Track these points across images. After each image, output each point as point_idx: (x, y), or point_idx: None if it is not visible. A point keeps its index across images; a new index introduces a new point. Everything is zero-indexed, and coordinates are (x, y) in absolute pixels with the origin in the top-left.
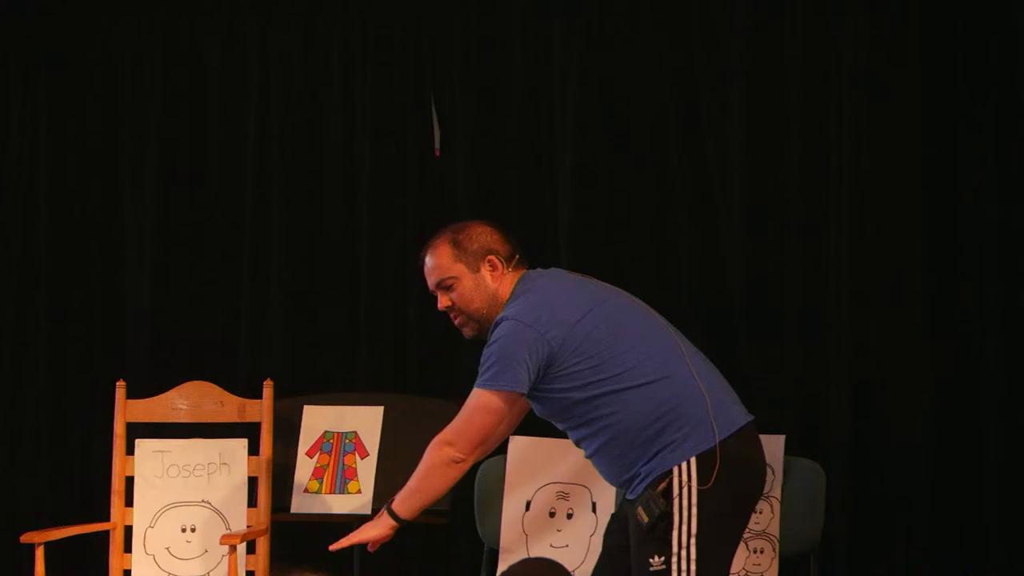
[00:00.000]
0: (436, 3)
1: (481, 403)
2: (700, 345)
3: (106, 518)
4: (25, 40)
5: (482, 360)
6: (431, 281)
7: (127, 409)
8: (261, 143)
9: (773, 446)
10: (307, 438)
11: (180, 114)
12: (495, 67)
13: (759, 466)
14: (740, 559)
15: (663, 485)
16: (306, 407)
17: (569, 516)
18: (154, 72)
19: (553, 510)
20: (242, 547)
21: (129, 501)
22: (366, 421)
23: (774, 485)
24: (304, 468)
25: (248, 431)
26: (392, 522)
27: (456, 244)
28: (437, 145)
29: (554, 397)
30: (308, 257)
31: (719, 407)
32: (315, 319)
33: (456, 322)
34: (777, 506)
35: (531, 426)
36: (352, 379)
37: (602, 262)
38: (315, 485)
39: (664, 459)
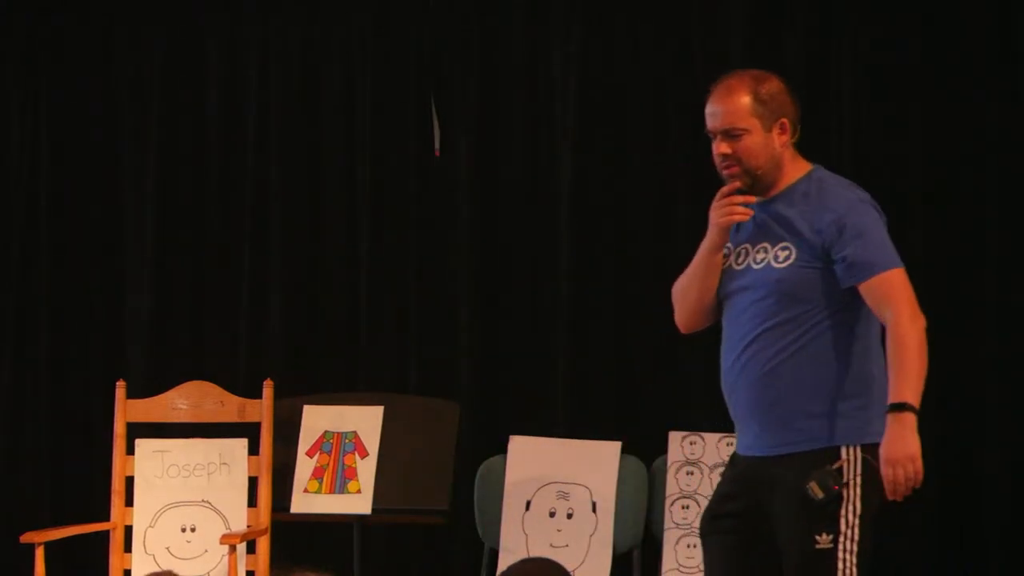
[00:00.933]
0: (437, 2)
1: (899, 278)
2: (704, 341)
3: (106, 518)
4: (24, 40)
5: (862, 244)
6: (717, 124)
7: (127, 409)
8: (261, 144)
9: None
10: (307, 438)
11: (180, 115)
12: (496, 66)
13: None
14: None
15: (839, 463)
16: (306, 407)
17: (569, 516)
18: (154, 73)
19: (553, 510)
20: (242, 547)
21: (129, 501)
22: (366, 421)
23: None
24: (304, 468)
25: (248, 431)
26: (915, 420)
27: (756, 96)
28: (437, 145)
29: (825, 280)
30: (308, 257)
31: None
32: (315, 319)
33: (727, 172)
34: None
35: (531, 426)
36: (352, 379)
37: (603, 263)
38: (315, 485)
39: (842, 427)
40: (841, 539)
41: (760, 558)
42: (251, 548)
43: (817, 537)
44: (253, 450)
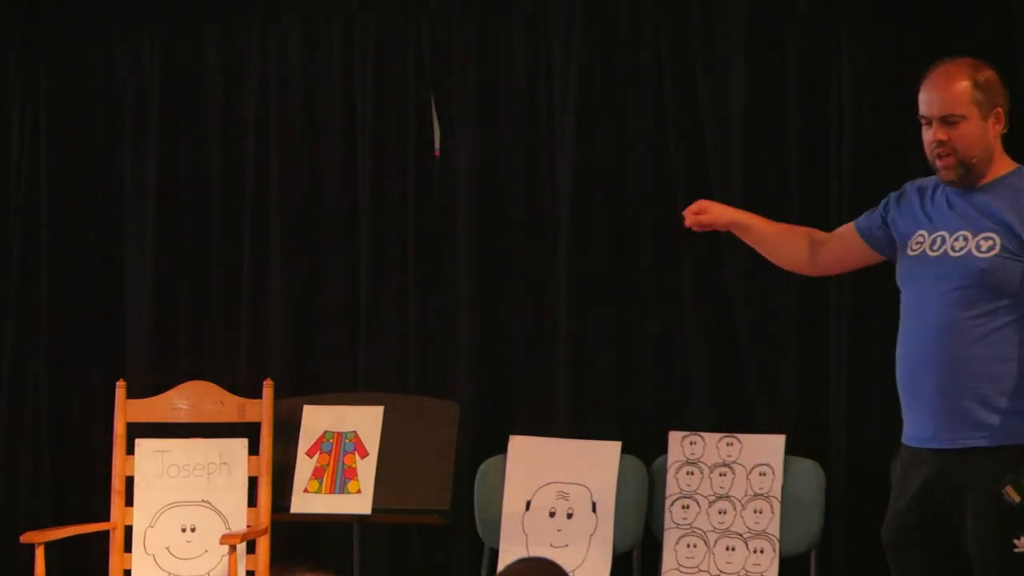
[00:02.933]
0: (437, 2)
1: None
2: (701, 344)
3: (106, 518)
4: (24, 38)
5: None
6: (934, 111)
7: (127, 409)
8: (261, 145)
9: (773, 446)
10: (307, 438)
11: (180, 113)
12: (495, 66)
13: None
14: (740, 559)
15: None
16: (306, 407)
17: (569, 516)
18: (154, 70)
19: (553, 510)
20: (242, 547)
21: (129, 501)
22: (366, 421)
23: (774, 485)
24: (304, 468)
25: (248, 431)
26: None
27: (976, 83)
28: (437, 145)
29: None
30: (308, 257)
31: None
32: (315, 319)
33: (942, 162)
34: (777, 506)
35: (531, 425)
36: (352, 379)
37: (602, 261)
38: (315, 485)
39: None
40: None
41: (953, 565)
42: (251, 548)
43: (1016, 541)
44: (253, 450)
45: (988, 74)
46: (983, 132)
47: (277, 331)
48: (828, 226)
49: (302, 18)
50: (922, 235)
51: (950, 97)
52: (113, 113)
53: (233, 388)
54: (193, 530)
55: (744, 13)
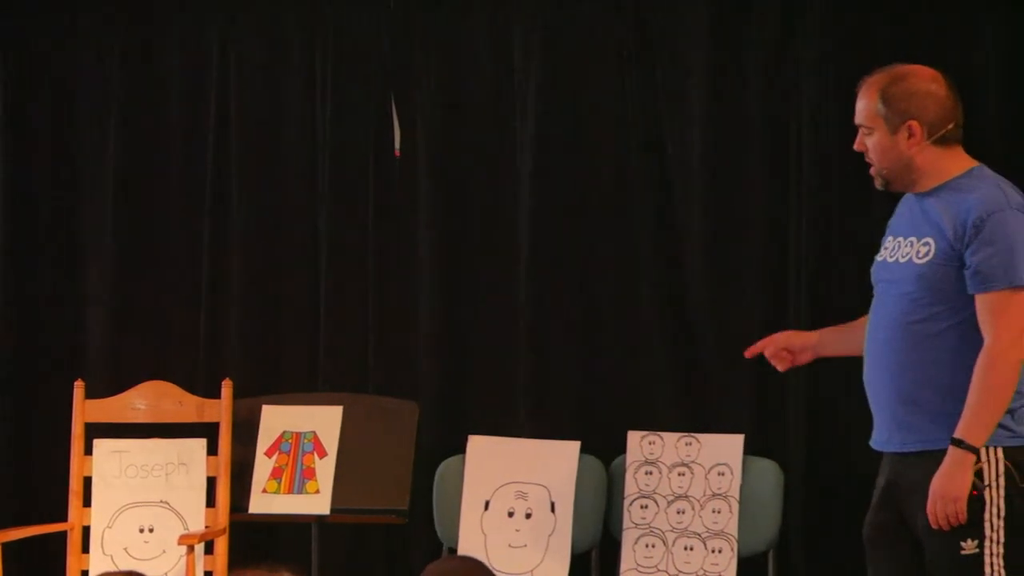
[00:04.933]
0: (398, 3)
1: (1013, 300)
2: (659, 343)
3: (64, 518)
4: None
5: (991, 253)
6: (855, 117)
7: (85, 409)
8: (221, 145)
9: (732, 446)
10: (266, 438)
11: (139, 110)
12: (456, 67)
13: None
14: (698, 558)
15: (979, 466)
16: (265, 407)
17: (528, 516)
18: (113, 65)
19: (512, 510)
20: (200, 547)
21: (87, 501)
22: (325, 421)
23: (732, 485)
24: (262, 468)
25: (207, 431)
26: (972, 460)
27: (885, 97)
28: (398, 146)
29: (959, 280)
30: (267, 258)
31: None
32: (274, 319)
33: (870, 170)
34: (736, 506)
35: (490, 425)
36: (311, 379)
37: (562, 262)
38: (273, 485)
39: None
40: (987, 543)
41: (920, 566)
42: (209, 548)
43: (963, 543)
44: (211, 450)
45: (906, 85)
46: (892, 145)
47: (236, 331)
48: (787, 232)
49: (262, 17)
50: (889, 240)
51: (862, 107)
52: (73, 112)
53: (192, 388)
54: (151, 530)
55: (706, 17)
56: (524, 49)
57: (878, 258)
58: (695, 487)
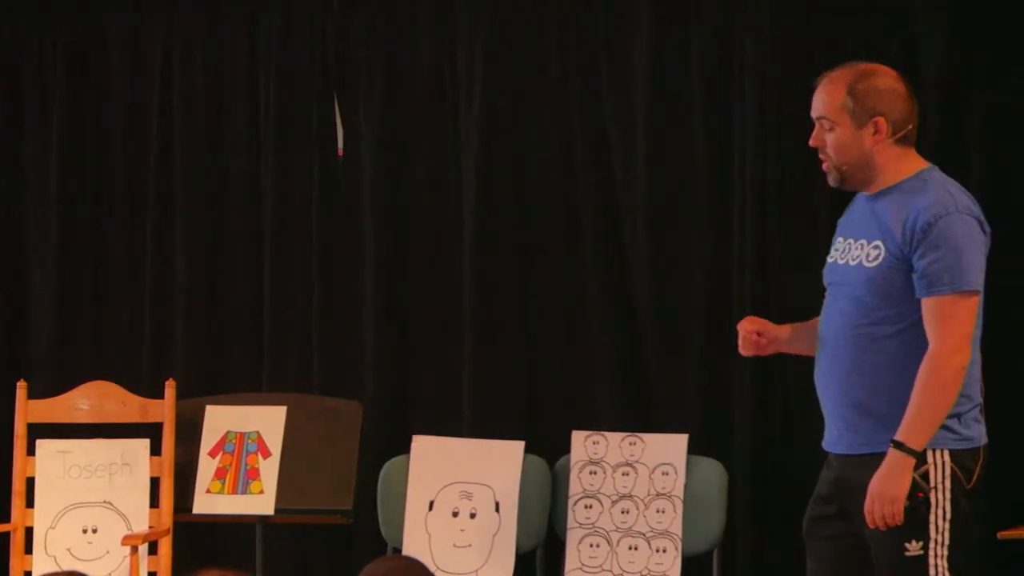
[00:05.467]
0: (340, 2)
1: (958, 305)
2: (603, 343)
3: (6, 519)
4: None
5: (938, 257)
6: (814, 112)
7: (28, 409)
8: (164, 143)
9: (676, 446)
10: (209, 438)
11: (83, 113)
12: (400, 65)
13: None
14: (643, 558)
15: (924, 468)
16: (208, 407)
17: (472, 516)
18: (56, 60)
19: (456, 510)
20: (144, 548)
21: (30, 502)
22: (269, 421)
23: (676, 484)
24: (206, 468)
25: (150, 431)
26: (912, 464)
27: (852, 91)
28: (341, 145)
29: (907, 283)
30: (211, 257)
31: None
32: (218, 320)
33: (823, 166)
34: (680, 505)
35: (434, 425)
36: (255, 379)
37: (506, 262)
38: (217, 485)
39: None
40: (932, 545)
41: (861, 562)
42: (153, 549)
43: (907, 544)
44: (155, 450)
45: (872, 82)
46: (856, 141)
47: (180, 331)
48: (731, 230)
49: (206, 16)
50: (839, 242)
51: (824, 101)
52: (15, 112)
53: (135, 388)
54: (95, 531)
55: (649, 19)
56: (468, 47)
57: (829, 259)
58: (639, 487)
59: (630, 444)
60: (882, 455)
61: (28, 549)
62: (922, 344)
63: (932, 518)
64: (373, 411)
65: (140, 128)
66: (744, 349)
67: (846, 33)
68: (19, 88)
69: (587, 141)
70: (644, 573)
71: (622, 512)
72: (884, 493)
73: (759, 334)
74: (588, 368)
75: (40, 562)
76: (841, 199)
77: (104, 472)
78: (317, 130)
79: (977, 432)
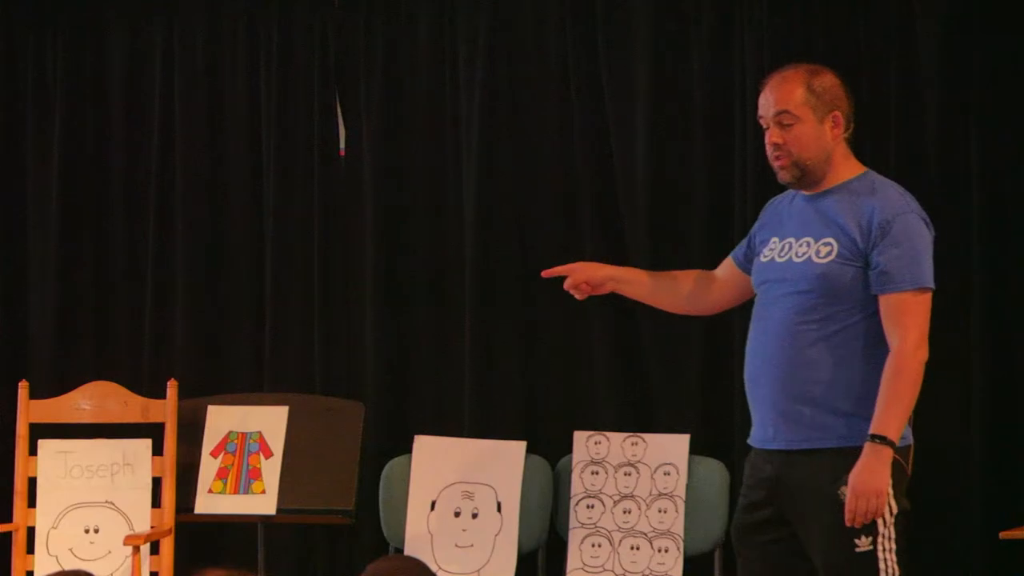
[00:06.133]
0: (342, 1)
1: (919, 301)
2: (606, 344)
3: (8, 519)
4: None
5: (898, 255)
6: (770, 112)
7: (30, 409)
8: (165, 144)
9: (678, 446)
10: (211, 438)
11: (83, 114)
12: (401, 66)
13: None
14: (644, 558)
15: None
16: (210, 407)
17: (474, 516)
18: (57, 65)
19: (458, 510)
20: (146, 548)
21: (32, 502)
22: (271, 421)
23: (678, 484)
24: (208, 468)
25: (152, 431)
26: (891, 455)
27: (810, 87)
28: (342, 145)
29: (864, 279)
30: (212, 257)
31: None
32: (220, 319)
33: (778, 163)
34: (681, 505)
35: (436, 425)
36: (257, 379)
37: (507, 261)
38: (219, 485)
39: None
40: (880, 539)
41: (796, 565)
42: (155, 549)
43: (857, 540)
44: (157, 450)
45: (825, 79)
46: (819, 135)
47: (181, 331)
48: (731, 230)
49: (206, 16)
50: (774, 242)
51: (784, 98)
52: (15, 113)
53: (137, 388)
54: (96, 531)
55: (650, 18)
56: (469, 44)
57: (762, 259)
58: (641, 487)
59: (632, 444)
60: (824, 451)
61: (30, 549)
62: (869, 340)
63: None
64: (375, 411)
65: (140, 128)
66: (578, 296)
67: (846, 33)
68: (19, 88)
69: (587, 141)
70: (646, 573)
71: (624, 512)
72: (869, 488)
73: (587, 283)
74: (590, 368)
75: (42, 562)
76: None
77: (106, 472)
78: (318, 130)
79: (909, 432)
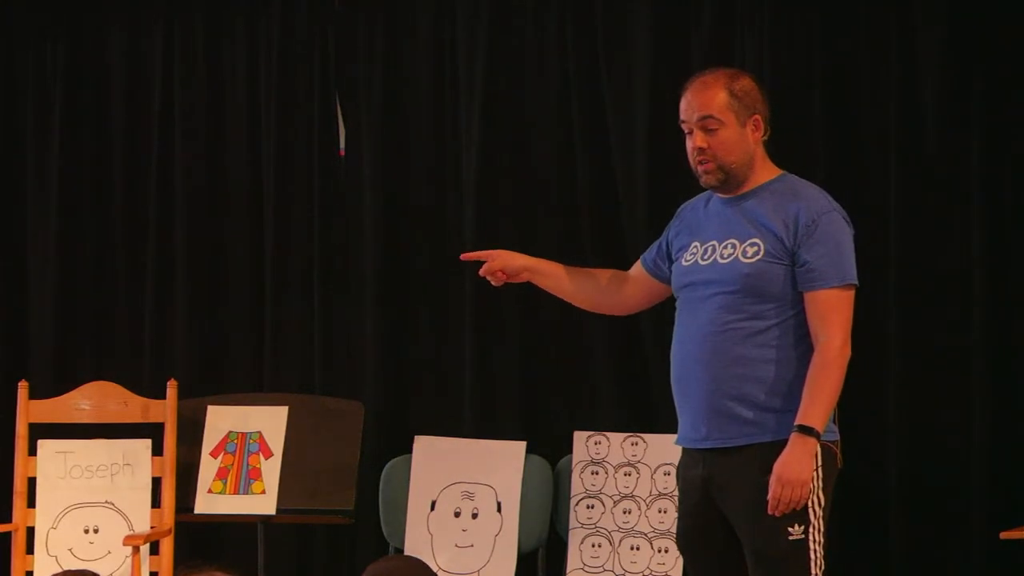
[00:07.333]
0: (343, 2)
1: (845, 298)
2: (606, 345)
3: (8, 519)
4: None
5: (824, 253)
6: (693, 117)
7: (29, 409)
8: (164, 144)
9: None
10: (211, 438)
11: (83, 112)
12: (401, 65)
13: None
14: (644, 558)
15: None
16: (210, 407)
17: (474, 516)
18: (57, 66)
19: (458, 510)
20: (145, 548)
21: (32, 502)
22: (270, 421)
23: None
24: (208, 468)
25: (152, 431)
26: (816, 446)
27: (733, 92)
28: (342, 145)
29: (790, 277)
30: (212, 257)
31: None
32: (220, 320)
33: (702, 167)
34: None
35: (436, 425)
36: (257, 379)
37: None
38: (219, 486)
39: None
40: (811, 530)
41: (742, 560)
42: (155, 549)
43: (790, 529)
44: (157, 451)
45: (744, 83)
46: (741, 138)
47: (181, 331)
48: None
49: (206, 16)
50: (695, 246)
51: (707, 103)
52: (16, 113)
53: (137, 388)
54: (96, 531)
55: (649, 19)
56: (468, 47)
57: (684, 263)
58: (641, 487)
59: (632, 444)
60: (757, 446)
61: (29, 549)
62: (797, 336)
63: (811, 504)
64: (375, 411)
65: (140, 128)
66: (493, 282)
67: (846, 33)
68: (19, 89)
69: (587, 141)
70: (646, 573)
71: (624, 512)
72: (793, 477)
73: (503, 271)
74: (590, 368)
75: (41, 562)
76: (837, 197)
77: (106, 472)
78: (318, 130)
79: (835, 428)
